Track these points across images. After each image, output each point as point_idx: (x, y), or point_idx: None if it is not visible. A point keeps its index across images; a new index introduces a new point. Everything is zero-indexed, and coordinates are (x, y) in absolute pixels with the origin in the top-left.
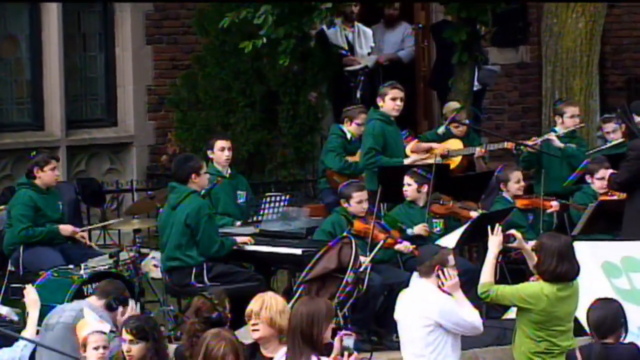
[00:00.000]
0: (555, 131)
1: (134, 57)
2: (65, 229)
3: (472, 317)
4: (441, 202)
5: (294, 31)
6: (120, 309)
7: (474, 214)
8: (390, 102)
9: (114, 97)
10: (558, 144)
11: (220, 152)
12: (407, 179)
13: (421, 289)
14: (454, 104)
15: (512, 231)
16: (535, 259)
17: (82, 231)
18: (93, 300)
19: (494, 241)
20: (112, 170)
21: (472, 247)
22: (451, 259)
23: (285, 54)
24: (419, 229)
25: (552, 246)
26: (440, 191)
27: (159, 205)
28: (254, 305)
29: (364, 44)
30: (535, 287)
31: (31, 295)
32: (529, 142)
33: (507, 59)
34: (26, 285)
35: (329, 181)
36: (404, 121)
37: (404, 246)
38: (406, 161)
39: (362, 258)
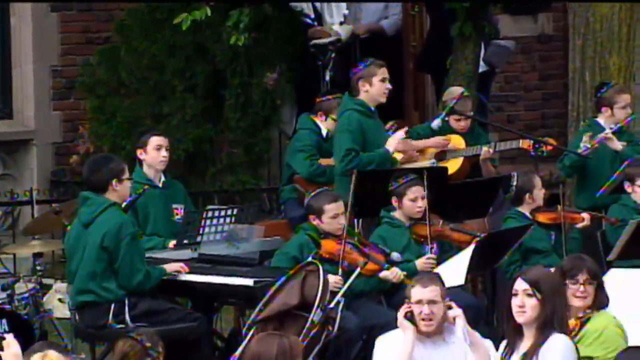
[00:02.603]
0: (604, 127)
1: (34, 28)
2: None
3: None
4: (432, 223)
5: None
6: None
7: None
8: (380, 84)
9: (9, 80)
10: (617, 145)
11: (156, 151)
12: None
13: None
14: (455, 90)
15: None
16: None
17: None
18: None
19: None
20: (5, 177)
21: (477, 277)
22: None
23: (239, 31)
24: (422, 265)
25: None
26: (433, 204)
27: (66, 223)
28: None
29: (336, 10)
30: None
31: (12, 349)
32: (587, 144)
33: (524, 30)
34: (5, 336)
35: (296, 190)
36: (388, 112)
37: (393, 273)
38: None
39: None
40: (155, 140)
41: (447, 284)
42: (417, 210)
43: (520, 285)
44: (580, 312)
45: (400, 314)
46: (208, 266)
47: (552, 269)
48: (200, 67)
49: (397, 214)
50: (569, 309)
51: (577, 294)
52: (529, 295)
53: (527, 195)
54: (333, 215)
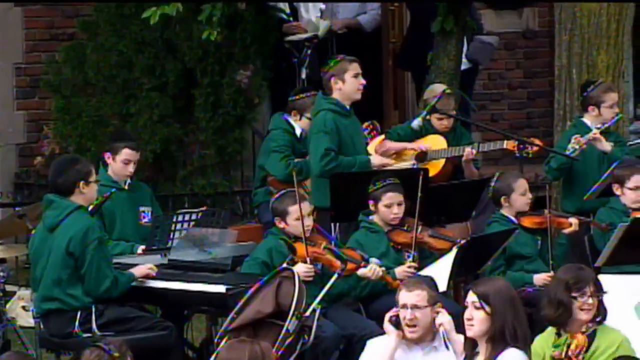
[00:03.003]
0: (590, 127)
1: None
2: None
3: None
4: (405, 228)
5: None
6: None
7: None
8: (353, 80)
9: None
10: (605, 146)
11: (123, 164)
12: (394, 197)
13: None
14: (436, 87)
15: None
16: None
17: None
18: None
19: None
20: None
21: (459, 283)
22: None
23: (212, 25)
24: (402, 273)
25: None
26: (411, 208)
27: (30, 227)
28: None
29: (312, 6)
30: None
31: None
32: (576, 144)
33: (508, 25)
34: None
35: (270, 193)
36: (365, 112)
37: (371, 269)
38: (373, 160)
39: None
40: (126, 154)
41: None
42: (392, 217)
43: (469, 297)
44: (584, 327)
45: (387, 318)
46: (179, 272)
47: (502, 282)
48: (170, 64)
49: (375, 219)
50: (521, 322)
51: (584, 307)
52: (477, 308)
53: (502, 198)
54: (297, 217)
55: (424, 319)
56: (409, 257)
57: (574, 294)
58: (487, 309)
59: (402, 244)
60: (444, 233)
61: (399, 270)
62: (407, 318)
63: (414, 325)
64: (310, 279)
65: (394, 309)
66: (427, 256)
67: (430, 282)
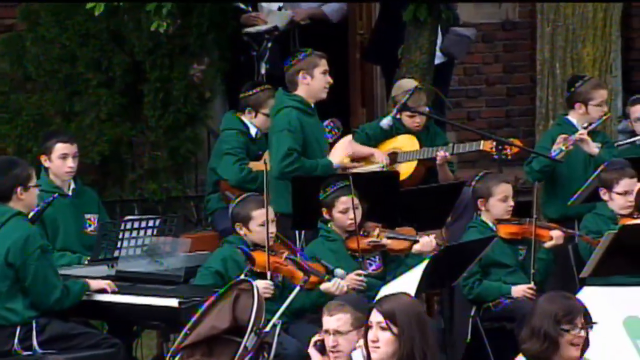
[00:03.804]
0: (576, 126)
1: None
2: None
3: None
4: (362, 233)
5: None
6: None
7: (417, 246)
8: (322, 77)
9: None
10: (592, 148)
11: (61, 160)
12: (348, 201)
13: None
14: (406, 83)
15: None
16: None
17: None
18: None
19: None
20: None
21: (432, 296)
22: None
23: (161, 17)
24: (351, 281)
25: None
26: (382, 213)
27: None
28: None
29: None
30: None
31: None
32: (561, 145)
33: (486, 16)
34: None
35: (223, 198)
36: (330, 109)
37: (335, 284)
38: (334, 159)
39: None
40: (60, 148)
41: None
42: (350, 222)
43: (374, 317)
44: None
45: (312, 344)
46: (127, 285)
47: (409, 298)
48: (117, 58)
49: (333, 226)
50: (430, 345)
51: (574, 341)
52: (383, 328)
53: (480, 201)
54: (262, 222)
55: (346, 345)
56: (370, 265)
57: (564, 327)
58: (394, 329)
59: (361, 251)
60: (404, 232)
61: (349, 278)
62: (329, 345)
63: (338, 351)
64: (270, 296)
65: (320, 333)
66: (392, 261)
67: (358, 302)
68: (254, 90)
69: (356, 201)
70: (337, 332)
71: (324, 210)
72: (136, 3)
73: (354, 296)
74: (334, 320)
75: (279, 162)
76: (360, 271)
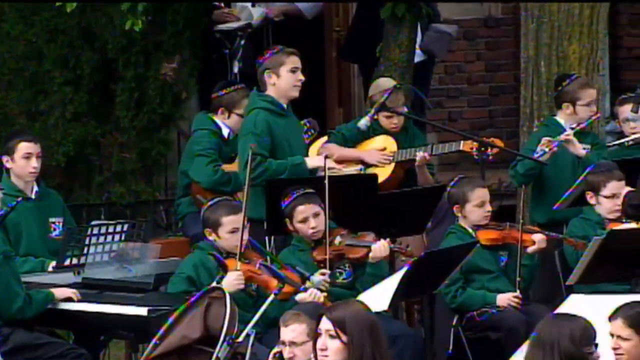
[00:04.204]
0: (564, 127)
1: None
2: None
3: None
4: (331, 242)
5: None
6: None
7: (379, 250)
8: (289, 75)
9: None
10: (579, 149)
11: (24, 160)
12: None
13: None
14: (384, 82)
15: None
16: None
17: None
18: None
19: None
20: None
21: (412, 304)
22: None
23: (135, 14)
24: (317, 278)
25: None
26: (359, 217)
27: None
28: None
29: None
30: None
31: None
32: (545, 147)
33: (467, 12)
34: None
35: (195, 202)
36: (306, 109)
37: (311, 294)
38: (311, 162)
39: None
40: (23, 147)
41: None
42: (312, 232)
43: (323, 324)
44: None
45: (271, 356)
46: (94, 292)
47: (360, 306)
48: (86, 55)
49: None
50: (383, 355)
51: None
52: (332, 336)
53: (455, 207)
54: (232, 229)
55: (303, 356)
56: (340, 274)
57: (585, 349)
58: (344, 337)
59: (320, 262)
60: (362, 239)
61: (315, 277)
62: (286, 356)
63: None
64: (242, 286)
65: (278, 345)
66: (360, 269)
67: (314, 312)
68: (227, 90)
69: (317, 208)
70: (292, 343)
71: (287, 220)
72: (109, 2)
73: (312, 305)
74: (289, 332)
75: (244, 169)
76: (324, 270)
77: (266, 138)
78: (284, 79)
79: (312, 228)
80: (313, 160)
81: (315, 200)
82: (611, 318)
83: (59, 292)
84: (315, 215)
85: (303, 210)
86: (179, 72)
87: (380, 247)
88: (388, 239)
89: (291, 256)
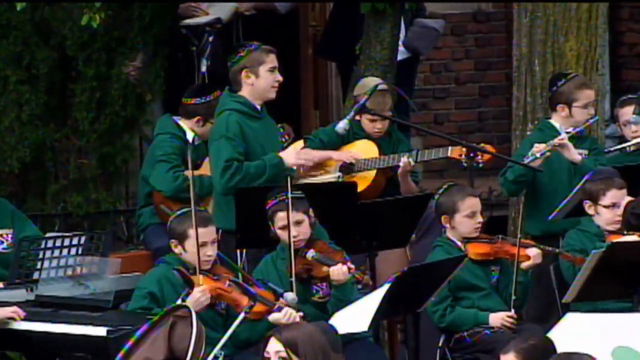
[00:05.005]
0: (559, 131)
1: None
2: None
3: None
4: (302, 254)
5: None
6: None
7: (336, 273)
8: (269, 75)
9: None
10: (574, 155)
11: None
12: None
13: None
14: (372, 82)
15: None
16: None
17: None
18: None
19: None
20: None
21: (395, 323)
22: None
23: (92, 9)
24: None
25: None
26: (337, 228)
27: None
28: None
29: None
30: None
31: None
32: (537, 152)
33: (455, 6)
34: None
35: (157, 212)
36: (280, 112)
37: (285, 314)
38: (289, 159)
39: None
40: None
41: (349, 330)
42: (292, 240)
43: (272, 346)
44: None
45: None
46: (48, 311)
47: (313, 327)
48: (43, 53)
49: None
50: None
51: None
52: (283, 358)
53: (444, 217)
54: (200, 242)
55: None
56: (316, 291)
57: None
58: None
59: (296, 276)
60: (332, 257)
61: (288, 295)
62: None
63: None
64: (207, 303)
65: None
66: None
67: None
68: (205, 98)
69: (300, 216)
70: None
71: (271, 224)
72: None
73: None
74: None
75: (219, 178)
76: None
77: (239, 141)
78: (263, 79)
79: (294, 237)
80: (290, 156)
81: (300, 207)
82: (504, 351)
83: (2, 312)
84: (298, 223)
85: (283, 217)
86: (143, 72)
87: (337, 271)
88: (348, 264)
89: (272, 265)
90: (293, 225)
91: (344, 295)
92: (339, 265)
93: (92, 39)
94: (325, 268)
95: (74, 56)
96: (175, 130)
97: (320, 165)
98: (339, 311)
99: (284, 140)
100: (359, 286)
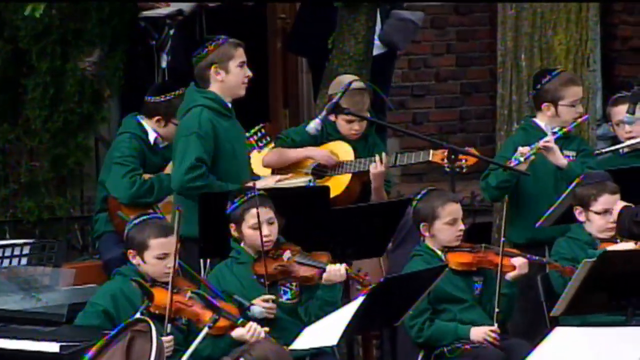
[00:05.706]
0: (545, 131)
1: None
2: None
3: None
4: (274, 255)
5: None
6: None
7: (325, 274)
8: (239, 71)
9: None
10: (559, 159)
11: None
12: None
13: None
14: (346, 79)
15: None
16: None
17: None
18: None
19: None
20: None
21: (371, 338)
22: None
23: None
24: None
25: None
26: (309, 236)
27: None
28: None
29: None
30: None
31: None
32: (520, 156)
33: None
34: None
35: (112, 220)
36: (245, 111)
37: (250, 329)
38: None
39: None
40: None
41: (317, 344)
42: (265, 240)
43: None
44: None
45: None
46: None
47: (279, 347)
48: None
49: (245, 245)
50: None
51: None
52: None
53: (422, 225)
54: (160, 254)
55: None
56: (284, 294)
57: None
58: None
59: (267, 277)
60: (315, 258)
61: (257, 302)
62: None
63: None
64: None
65: None
66: (306, 291)
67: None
68: (167, 96)
69: (271, 214)
70: None
71: (232, 226)
72: None
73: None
74: None
75: (182, 174)
76: (267, 296)
77: (210, 141)
78: (233, 75)
79: (266, 236)
80: (262, 183)
81: (270, 205)
82: None
83: None
84: (270, 222)
85: (255, 214)
86: (101, 66)
87: (336, 271)
88: (345, 264)
89: (227, 270)
90: (266, 223)
91: (332, 297)
92: (337, 265)
93: (47, 31)
94: (304, 269)
95: (28, 49)
96: (136, 130)
97: (292, 166)
98: (322, 317)
99: (266, 139)
100: (359, 287)
